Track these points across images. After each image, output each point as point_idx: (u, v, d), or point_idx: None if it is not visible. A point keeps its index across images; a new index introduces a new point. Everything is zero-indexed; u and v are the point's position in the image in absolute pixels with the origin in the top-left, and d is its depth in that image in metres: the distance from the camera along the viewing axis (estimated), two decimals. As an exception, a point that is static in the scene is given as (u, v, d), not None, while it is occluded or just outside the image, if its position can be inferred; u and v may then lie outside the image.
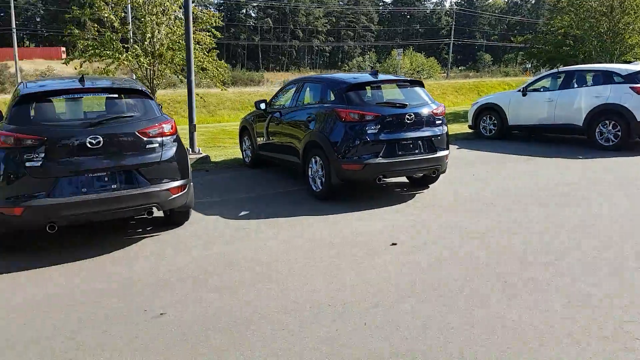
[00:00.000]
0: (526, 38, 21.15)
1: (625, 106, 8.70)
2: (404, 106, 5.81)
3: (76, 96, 4.74)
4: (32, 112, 4.40)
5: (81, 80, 4.69)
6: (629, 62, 16.40)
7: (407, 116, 5.71)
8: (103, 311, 3.26)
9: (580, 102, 9.31)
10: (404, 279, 3.66)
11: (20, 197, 4.02)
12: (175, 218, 5.03)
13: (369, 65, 77.16)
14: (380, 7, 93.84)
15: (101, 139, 4.22)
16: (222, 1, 79.80)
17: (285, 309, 3.23)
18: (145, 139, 4.43)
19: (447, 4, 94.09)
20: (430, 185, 6.60)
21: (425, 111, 5.92)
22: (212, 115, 20.75)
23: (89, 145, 4.18)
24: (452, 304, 3.24)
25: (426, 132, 5.86)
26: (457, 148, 10.00)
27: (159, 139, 4.50)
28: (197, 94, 13.78)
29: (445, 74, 56.89)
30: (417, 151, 5.81)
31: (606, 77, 9.25)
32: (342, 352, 2.72)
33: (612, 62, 16.14)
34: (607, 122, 8.99)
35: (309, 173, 6.16)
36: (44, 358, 2.73)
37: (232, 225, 5.05)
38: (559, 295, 3.33)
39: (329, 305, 3.28)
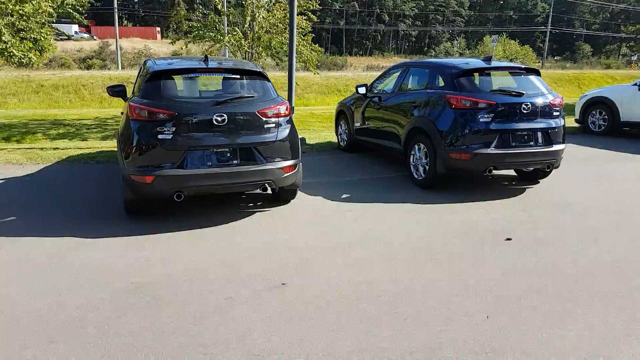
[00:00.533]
0: (638, 28, 19.21)
1: None
2: (520, 95, 5.56)
3: (202, 75, 5.03)
4: (162, 89, 4.68)
5: (205, 60, 4.94)
6: None
7: (523, 105, 5.46)
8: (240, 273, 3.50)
9: None
10: (522, 276, 3.55)
11: (151, 166, 4.36)
12: (283, 195, 5.24)
13: (457, 51, 74.22)
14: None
15: (226, 117, 4.46)
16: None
17: (400, 293, 3.27)
18: (263, 119, 4.63)
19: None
20: (540, 181, 6.30)
21: (541, 101, 5.63)
22: (299, 99, 21.06)
23: (215, 122, 4.42)
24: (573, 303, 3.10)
25: (542, 124, 5.58)
26: (570, 143, 9.39)
27: (275, 120, 4.68)
28: (292, 78, 14.18)
29: (541, 64, 53.28)
30: (532, 143, 5.55)
31: None
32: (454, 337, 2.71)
33: None
34: None
35: (411, 160, 6.11)
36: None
37: (336, 207, 5.18)
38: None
39: (452, 293, 3.27)
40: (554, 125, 5.63)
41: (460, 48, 74.05)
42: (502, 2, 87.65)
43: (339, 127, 8.46)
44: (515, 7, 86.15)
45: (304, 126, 11.86)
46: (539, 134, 5.57)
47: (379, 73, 10.25)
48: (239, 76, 5.05)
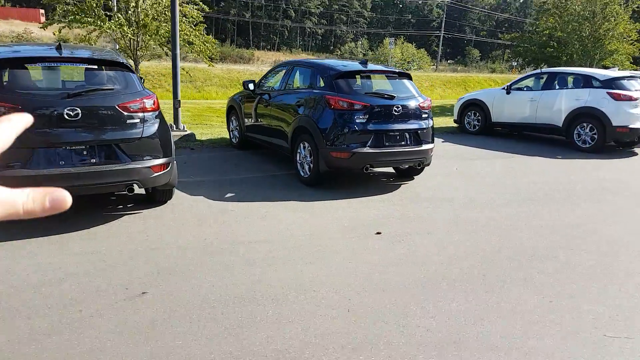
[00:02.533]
0: (513, 36, 21.46)
1: (602, 110, 9.01)
2: (392, 97, 5.95)
3: (54, 65, 4.58)
4: (5, 79, 4.23)
5: (58, 48, 4.53)
6: (607, 68, 16.89)
7: (395, 108, 5.86)
8: (88, 286, 3.36)
9: (560, 104, 9.60)
10: (388, 268, 3.84)
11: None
12: (158, 196, 5.05)
13: (361, 51, 76.81)
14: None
15: (80, 111, 4.12)
16: (213, -25, 77.91)
17: (267, 293, 3.38)
18: (125, 113, 4.36)
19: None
20: (415, 177, 6.80)
21: (412, 104, 6.08)
22: (198, 92, 20.57)
23: (67, 117, 4.08)
24: (432, 294, 3.43)
25: (413, 125, 6.02)
26: (442, 141, 10.24)
27: (140, 115, 4.44)
28: (183, 69, 13.68)
29: (435, 67, 57.12)
30: (403, 143, 5.97)
31: (586, 81, 9.54)
32: (315, 342, 2.88)
33: (592, 66, 16.57)
34: (584, 124, 9.31)
35: (297, 158, 6.28)
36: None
37: (217, 207, 5.14)
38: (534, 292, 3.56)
39: (314, 290, 3.43)
40: (423, 126, 6.12)
41: (364, 49, 76.71)
42: (401, 6, 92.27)
43: (230, 123, 8.43)
44: (413, 11, 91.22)
45: (200, 121, 11.61)
46: (410, 134, 6.02)
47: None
48: (97, 66, 4.68)
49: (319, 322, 2.96)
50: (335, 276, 3.59)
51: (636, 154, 9.55)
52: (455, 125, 11.80)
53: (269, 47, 74.97)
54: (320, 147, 5.79)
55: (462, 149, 9.44)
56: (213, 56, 12.79)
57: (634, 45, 18.18)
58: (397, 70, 6.55)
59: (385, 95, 5.98)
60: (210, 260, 3.79)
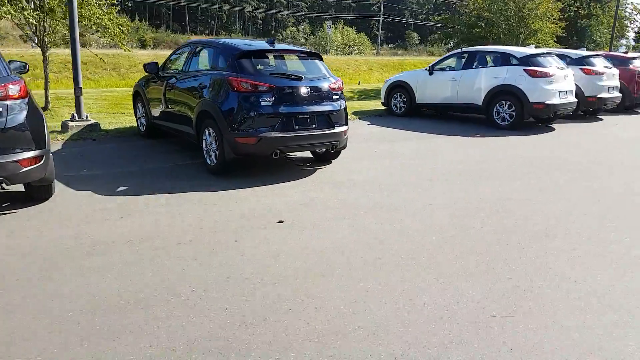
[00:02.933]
0: (443, 18, 21.74)
1: (520, 87, 9.18)
2: (299, 79, 5.65)
3: None
4: None
5: None
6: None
7: (303, 89, 5.57)
8: None
9: (480, 83, 9.70)
10: (283, 260, 3.57)
11: None
12: (34, 193, 4.55)
13: (303, 36, 76.01)
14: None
15: None
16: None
17: (134, 299, 3.02)
18: None
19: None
20: (332, 161, 6.59)
21: (322, 85, 5.81)
22: (123, 79, 19.41)
23: None
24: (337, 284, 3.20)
25: (324, 107, 5.76)
26: (368, 124, 10.13)
27: (3, 103, 3.97)
28: (97, 55, 12.82)
29: (376, 51, 57.45)
30: (314, 126, 5.70)
31: (504, 59, 9.68)
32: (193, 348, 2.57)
33: (517, 45, 17.03)
34: (503, 102, 9.45)
35: (204, 146, 5.88)
36: None
37: (104, 203, 4.65)
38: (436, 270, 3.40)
39: (192, 290, 3.11)
40: (335, 108, 5.87)
41: (306, 33, 76.01)
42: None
43: (137, 110, 7.84)
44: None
45: (117, 109, 10.85)
46: (321, 117, 5.76)
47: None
48: None
49: (191, 327, 2.64)
50: (217, 273, 3.28)
51: (554, 129, 9.84)
52: (383, 107, 11.72)
53: (207, 32, 72.66)
54: (224, 133, 5.42)
55: (386, 131, 9.34)
56: (143, 41, 11.97)
57: (557, 24, 18.87)
58: (307, 50, 6.26)
59: (293, 76, 5.67)
60: (74, 264, 3.36)
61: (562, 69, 9.57)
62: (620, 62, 13.24)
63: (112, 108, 10.98)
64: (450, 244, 3.86)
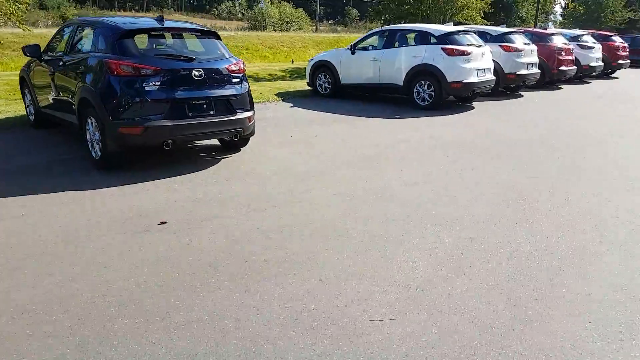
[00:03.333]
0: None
1: (438, 67, 9.08)
2: (190, 60, 5.15)
3: None
4: None
5: None
6: (458, 23, 17.55)
7: (194, 72, 5.07)
8: None
9: (400, 63, 9.52)
10: (151, 269, 3.15)
11: None
12: None
13: (239, 11, 73.57)
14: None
15: None
16: None
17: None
18: None
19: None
20: (242, 149, 6.18)
21: (219, 67, 5.34)
22: (20, 60, 17.72)
23: None
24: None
25: (222, 91, 5.30)
26: (291, 106, 9.74)
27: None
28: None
29: (315, 27, 56.57)
30: (212, 112, 5.23)
31: (423, 38, 9.54)
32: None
33: (444, 22, 17.09)
34: (422, 82, 9.34)
35: (87, 137, 5.27)
36: None
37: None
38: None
39: (36, 312, 2.64)
40: (235, 92, 5.42)
41: (242, 8, 73.67)
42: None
43: (25, 97, 7.02)
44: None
45: (19, 96, 9.78)
46: (219, 102, 5.30)
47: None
48: None
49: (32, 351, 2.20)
50: (63, 292, 2.83)
51: (473, 108, 9.89)
52: (309, 88, 11.34)
53: (137, 7, 68.68)
54: (105, 123, 4.85)
55: (307, 113, 9.00)
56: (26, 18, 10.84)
57: (483, 0, 19.09)
58: (202, 28, 5.72)
59: (182, 57, 5.16)
60: None
61: (480, 46, 9.56)
62: (540, 39, 13.56)
63: (15, 94, 9.89)
64: (341, 243, 3.60)
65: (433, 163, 5.79)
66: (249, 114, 5.58)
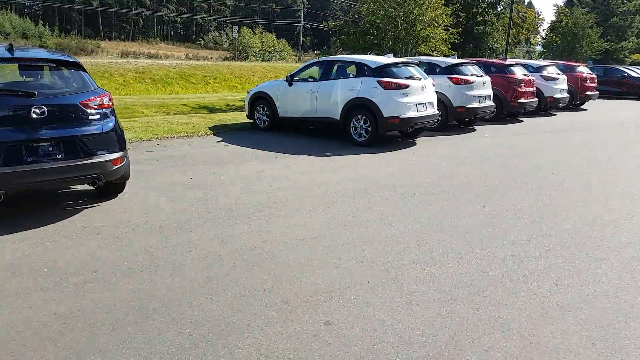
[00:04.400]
0: (337, 24, 21.04)
1: (373, 100, 8.42)
2: (31, 95, 4.38)
3: None
4: None
5: None
6: (425, 55, 17.12)
7: (34, 109, 4.31)
8: None
9: (337, 96, 8.88)
10: None
11: None
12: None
13: (226, 41, 74.01)
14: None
15: None
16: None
17: None
18: None
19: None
20: (119, 194, 5.39)
21: (70, 102, 4.59)
22: None
23: None
24: None
25: (74, 130, 4.53)
26: (218, 141, 9.01)
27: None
28: None
29: (298, 57, 56.65)
30: (59, 156, 4.45)
31: (359, 70, 8.94)
32: None
33: (406, 52, 16.67)
34: (359, 116, 8.66)
35: None
36: None
37: None
38: None
39: None
40: (93, 131, 4.65)
41: (229, 38, 74.22)
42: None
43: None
44: (277, 0, 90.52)
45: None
46: (70, 144, 4.51)
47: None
48: None
49: None
50: None
51: (414, 144, 9.20)
52: (249, 120, 10.63)
53: (122, 37, 68.88)
54: None
55: (228, 150, 8.23)
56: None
57: (449, 31, 18.69)
58: (58, 58, 4.96)
59: (20, 92, 4.39)
60: None
61: (420, 79, 8.94)
62: (498, 70, 13.07)
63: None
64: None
65: (336, 211, 5.02)
66: (114, 155, 4.79)
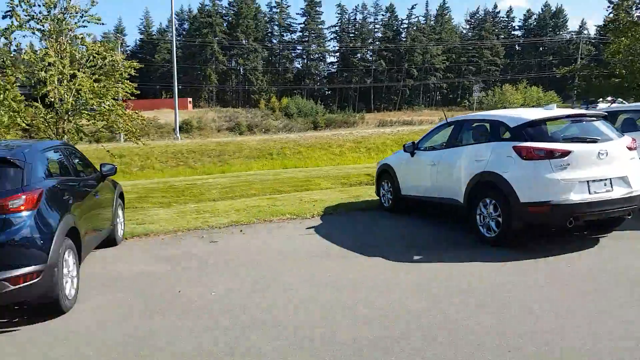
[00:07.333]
0: (573, 69, 16.37)
1: (504, 177, 5.42)
2: None
3: None
4: None
5: None
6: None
7: None
8: None
9: (460, 169, 6.20)
10: None
11: None
12: None
13: (492, 99, 71.10)
14: (507, 40, 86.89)
15: None
16: (337, 47, 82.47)
17: None
18: None
19: (592, 30, 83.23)
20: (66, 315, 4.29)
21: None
22: (221, 165, 19.82)
23: None
24: None
25: None
26: (306, 229, 7.07)
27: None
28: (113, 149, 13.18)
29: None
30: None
31: (494, 131, 6.04)
32: None
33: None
34: (487, 200, 5.73)
35: None
36: None
37: None
38: None
39: None
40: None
41: (494, 97, 70.92)
42: (541, 49, 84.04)
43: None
44: (556, 51, 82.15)
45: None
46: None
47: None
48: None
49: None
50: None
51: (595, 243, 5.48)
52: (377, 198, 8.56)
53: (390, 107, 74.36)
54: None
55: (302, 245, 6.28)
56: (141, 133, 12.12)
57: None
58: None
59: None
60: None
61: (597, 140, 5.39)
62: None
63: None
64: None
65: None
66: (16, 272, 3.75)
